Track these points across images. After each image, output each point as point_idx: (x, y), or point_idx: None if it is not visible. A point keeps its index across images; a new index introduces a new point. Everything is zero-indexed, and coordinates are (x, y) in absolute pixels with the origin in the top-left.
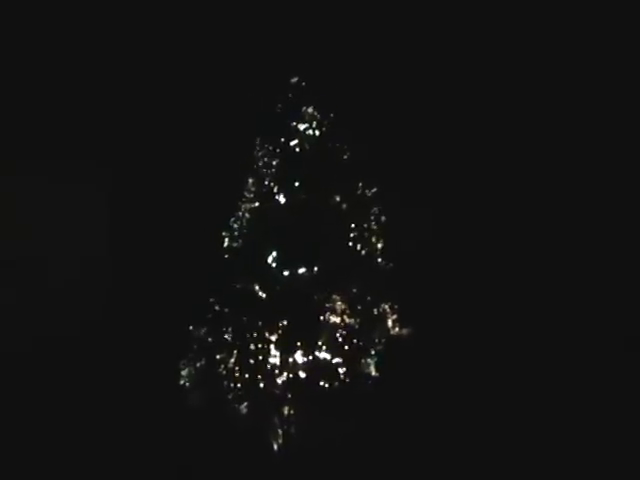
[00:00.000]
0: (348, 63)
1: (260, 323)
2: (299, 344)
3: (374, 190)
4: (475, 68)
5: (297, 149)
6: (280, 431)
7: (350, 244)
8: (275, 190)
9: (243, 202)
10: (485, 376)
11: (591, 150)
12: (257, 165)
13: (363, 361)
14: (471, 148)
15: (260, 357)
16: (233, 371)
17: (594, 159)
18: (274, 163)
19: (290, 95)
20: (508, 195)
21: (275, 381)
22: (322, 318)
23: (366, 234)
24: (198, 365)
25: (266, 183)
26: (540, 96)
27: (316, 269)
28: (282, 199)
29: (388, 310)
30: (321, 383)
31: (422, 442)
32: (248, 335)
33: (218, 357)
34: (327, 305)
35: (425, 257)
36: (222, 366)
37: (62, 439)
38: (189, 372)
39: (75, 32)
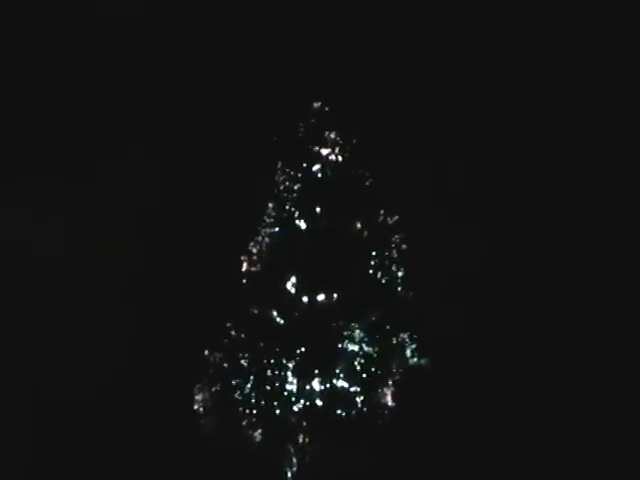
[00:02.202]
0: (371, 89)
1: (277, 349)
2: (316, 371)
3: (396, 218)
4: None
5: (319, 174)
6: (295, 460)
7: (370, 272)
8: (296, 215)
9: (263, 227)
10: (504, 409)
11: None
12: (278, 189)
13: (380, 390)
14: (493, 178)
15: (276, 384)
16: (248, 397)
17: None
18: (295, 188)
19: (313, 120)
20: (527, 221)
21: (291, 408)
22: (340, 346)
23: (386, 262)
24: (213, 390)
25: (287, 208)
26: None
27: (335, 296)
28: (302, 224)
29: (407, 339)
30: (338, 412)
31: (438, 472)
32: (265, 361)
33: (233, 383)
34: (345, 333)
35: (446, 287)
36: (237, 392)
37: (74, 461)
38: (204, 397)
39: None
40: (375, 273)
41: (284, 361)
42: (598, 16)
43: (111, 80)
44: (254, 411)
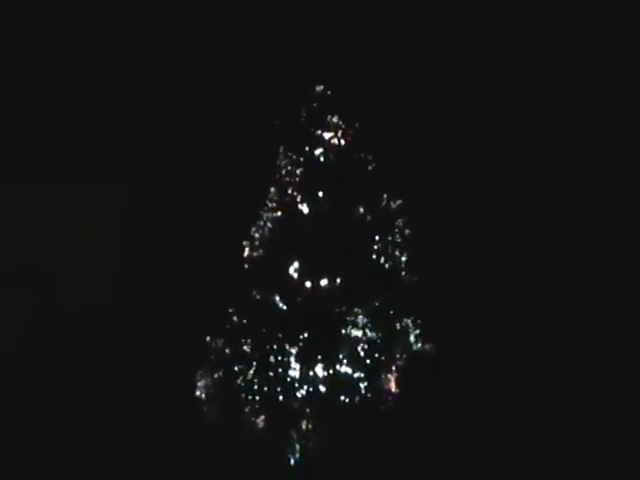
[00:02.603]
0: (374, 72)
1: (280, 335)
2: (319, 357)
3: (399, 202)
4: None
5: (321, 158)
6: (298, 446)
7: (373, 256)
8: (298, 200)
9: (265, 211)
10: (508, 395)
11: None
12: (280, 174)
13: (384, 376)
14: (497, 164)
15: (279, 370)
16: (251, 383)
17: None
18: (298, 172)
19: (315, 104)
20: (530, 210)
21: (294, 395)
22: (343, 331)
23: (390, 247)
24: (215, 376)
25: (289, 192)
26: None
27: (338, 281)
28: (305, 209)
29: (410, 325)
30: (341, 398)
31: (442, 459)
32: (267, 347)
33: (236, 369)
34: (349, 318)
35: (449, 272)
36: (240, 378)
37: (74, 450)
38: (206, 383)
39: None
40: (378, 258)
41: (287, 347)
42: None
43: (107, 71)
44: (257, 397)
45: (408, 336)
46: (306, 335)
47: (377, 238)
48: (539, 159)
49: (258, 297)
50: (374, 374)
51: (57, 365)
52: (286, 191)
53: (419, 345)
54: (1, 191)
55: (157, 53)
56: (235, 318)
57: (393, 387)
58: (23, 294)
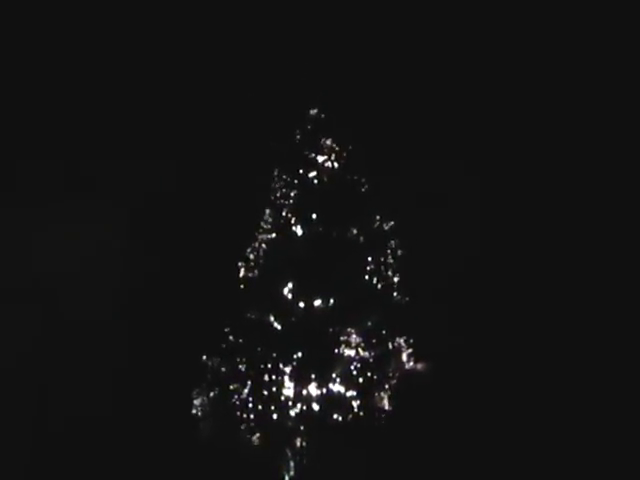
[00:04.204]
0: (368, 95)
1: (274, 354)
2: (313, 376)
3: (391, 223)
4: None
5: (315, 181)
6: (292, 463)
7: (366, 277)
8: (292, 222)
9: (260, 233)
10: (500, 413)
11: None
12: (274, 196)
13: (377, 395)
14: (489, 184)
15: (273, 389)
16: (246, 402)
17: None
18: (292, 194)
19: (309, 126)
20: (529, 229)
21: (288, 413)
22: (337, 351)
23: (382, 267)
24: (211, 395)
25: (283, 214)
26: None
27: (332, 301)
28: (299, 231)
29: (403, 344)
30: (334, 416)
31: (434, 476)
32: (262, 366)
33: (231, 387)
34: (342, 338)
35: (441, 292)
36: (235, 397)
37: (72, 463)
38: (202, 402)
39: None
40: (371, 278)
41: (281, 366)
42: (598, 16)
43: (107, 80)
44: (252, 416)
45: (400, 355)
46: (300, 354)
47: (370, 259)
48: (532, 174)
49: (253, 317)
50: (367, 393)
51: (57, 379)
52: (281, 213)
53: (411, 364)
54: (2, 207)
55: (151, 74)
56: (231, 337)
57: (386, 405)
58: (25, 310)
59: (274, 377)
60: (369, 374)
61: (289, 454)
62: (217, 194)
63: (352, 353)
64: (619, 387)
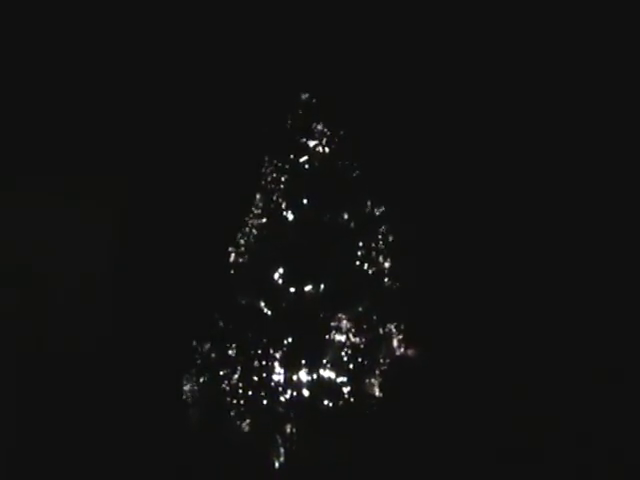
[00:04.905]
0: (359, 80)
1: (264, 340)
2: (303, 362)
3: (382, 209)
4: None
5: (306, 166)
6: (282, 449)
7: (357, 262)
8: (283, 207)
9: (250, 218)
10: (492, 399)
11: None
12: (265, 181)
13: (367, 381)
14: (485, 170)
15: (264, 374)
16: (236, 388)
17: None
18: (283, 179)
19: (300, 111)
20: (518, 213)
21: (278, 399)
22: (327, 336)
23: (373, 253)
24: (201, 381)
25: (274, 199)
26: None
27: (322, 287)
28: (290, 216)
29: (394, 330)
30: (325, 402)
31: (425, 463)
32: (252, 352)
33: (221, 373)
34: (332, 323)
35: (433, 277)
36: (225, 382)
37: (62, 451)
38: (191, 388)
39: (83, 41)
40: (362, 264)
41: (271, 351)
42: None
43: (101, 74)
44: (241, 402)
45: (391, 341)
46: (290, 340)
47: (361, 244)
48: (528, 171)
49: (243, 302)
50: (358, 379)
51: (46, 368)
52: (271, 198)
53: (402, 350)
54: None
55: (144, 68)
56: (221, 323)
57: (377, 392)
58: (14, 298)
59: (264, 362)
60: (360, 360)
61: (279, 440)
62: (207, 179)
63: (343, 339)
64: (618, 384)
